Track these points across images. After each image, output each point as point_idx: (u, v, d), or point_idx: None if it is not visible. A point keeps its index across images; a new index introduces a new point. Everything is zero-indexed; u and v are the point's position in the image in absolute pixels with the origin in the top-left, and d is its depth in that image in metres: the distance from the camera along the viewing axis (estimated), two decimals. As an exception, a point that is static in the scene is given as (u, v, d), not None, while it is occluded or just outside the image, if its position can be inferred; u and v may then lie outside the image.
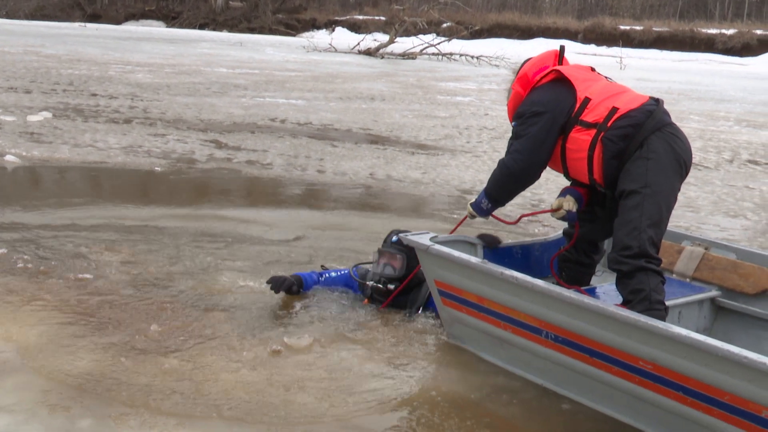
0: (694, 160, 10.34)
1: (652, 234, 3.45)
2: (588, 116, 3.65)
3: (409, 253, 4.34)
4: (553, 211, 3.90)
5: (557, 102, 3.72)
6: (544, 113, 3.71)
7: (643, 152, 3.53)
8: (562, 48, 4.05)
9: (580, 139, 3.67)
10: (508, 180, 3.87)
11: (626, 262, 3.45)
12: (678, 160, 3.55)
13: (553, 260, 4.14)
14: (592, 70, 3.94)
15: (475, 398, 3.48)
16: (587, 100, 3.68)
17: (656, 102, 3.69)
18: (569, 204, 3.85)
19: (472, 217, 4.14)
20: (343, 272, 4.61)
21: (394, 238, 4.46)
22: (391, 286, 4.34)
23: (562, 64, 3.96)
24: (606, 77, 3.92)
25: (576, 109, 3.68)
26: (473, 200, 4.09)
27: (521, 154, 3.77)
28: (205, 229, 5.92)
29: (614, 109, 3.61)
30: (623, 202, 3.54)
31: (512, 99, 3.98)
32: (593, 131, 3.62)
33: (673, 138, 3.57)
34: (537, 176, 3.86)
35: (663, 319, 3.34)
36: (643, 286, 3.42)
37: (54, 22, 51.09)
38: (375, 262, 4.49)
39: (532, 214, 4.32)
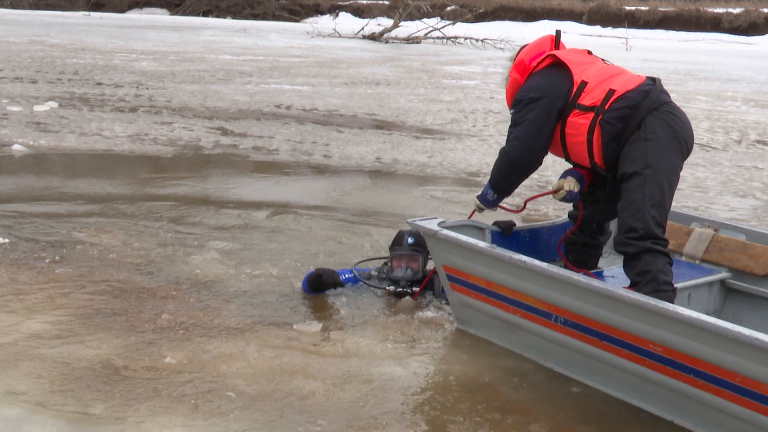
0: (701, 141, 10.35)
1: (656, 214, 3.44)
2: (585, 99, 3.65)
3: (425, 252, 4.41)
4: (554, 192, 3.89)
5: (554, 86, 3.72)
6: (542, 98, 3.71)
7: (641, 133, 3.52)
8: (558, 33, 4.05)
9: (578, 123, 3.67)
10: (510, 168, 3.87)
11: (632, 244, 3.44)
12: (677, 138, 3.53)
13: (561, 244, 4.13)
14: (589, 53, 3.93)
15: (485, 382, 3.49)
16: (584, 83, 3.68)
17: (653, 82, 3.68)
18: (570, 184, 3.84)
19: (480, 210, 4.15)
20: (348, 276, 4.52)
21: (410, 240, 4.48)
22: (416, 288, 4.37)
23: (558, 49, 3.96)
24: (603, 59, 3.91)
25: (573, 93, 3.68)
26: (479, 193, 4.10)
27: (521, 140, 3.77)
28: (213, 216, 5.92)
29: (611, 91, 3.60)
30: (625, 185, 3.53)
31: (510, 86, 3.97)
32: (591, 114, 3.62)
33: (671, 117, 3.56)
34: (539, 162, 3.85)
35: (671, 300, 3.33)
36: (649, 267, 3.41)
37: (58, 11, 51.01)
38: (389, 265, 4.50)
39: (534, 198, 4.30)
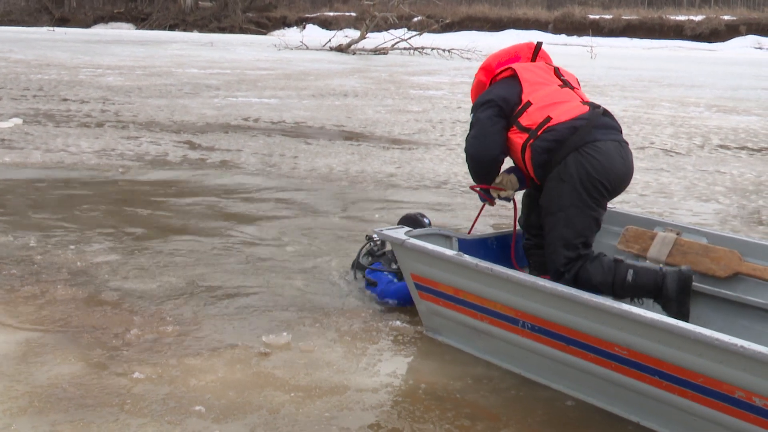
0: (665, 146, 10.51)
1: (570, 254, 3.65)
2: (524, 120, 3.81)
3: None
4: (495, 187, 4.05)
5: (505, 95, 3.88)
6: (492, 101, 3.89)
7: (560, 172, 3.67)
8: (539, 44, 4.17)
9: (514, 141, 3.85)
10: (474, 164, 4.04)
11: (565, 280, 3.64)
12: (593, 183, 3.63)
13: (514, 254, 4.21)
14: (556, 71, 4.03)
15: (454, 389, 3.51)
16: (528, 104, 3.82)
17: (590, 115, 3.74)
18: (507, 187, 4.02)
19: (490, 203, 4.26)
20: (391, 281, 4.55)
21: (427, 220, 4.75)
22: None
23: (535, 60, 4.11)
24: (563, 81, 3.98)
25: (518, 109, 3.84)
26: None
27: (476, 138, 3.94)
28: (180, 232, 5.90)
29: (547, 119, 3.74)
30: (544, 220, 3.77)
31: (474, 87, 4.17)
32: (525, 136, 3.78)
33: (590, 159, 3.63)
34: (497, 159, 3.97)
35: (623, 273, 3.58)
36: (593, 282, 3.59)
37: (21, 26, 50.52)
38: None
39: (474, 188, 4.24)
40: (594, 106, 3.83)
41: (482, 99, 3.95)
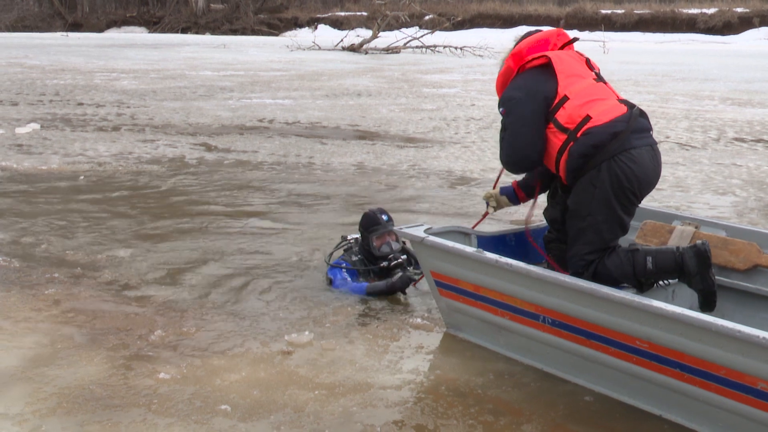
0: (681, 140, 10.46)
1: (593, 258, 3.56)
2: (561, 116, 3.57)
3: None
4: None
5: (537, 90, 3.62)
6: (525, 98, 3.62)
7: (593, 177, 3.51)
8: (574, 39, 3.93)
9: (552, 140, 3.61)
10: (511, 170, 3.84)
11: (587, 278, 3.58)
12: (624, 191, 3.51)
13: (535, 243, 4.21)
14: (588, 62, 3.81)
15: (477, 385, 3.54)
16: (565, 98, 3.58)
17: (628, 117, 3.56)
18: (491, 208, 4.24)
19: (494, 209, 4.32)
20: (337, 271, 4.75)
21: (386, 217, 4.84)
22: (404, 256, 4.75)
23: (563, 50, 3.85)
24: (596, 74, 3.77)
25: (554, 104, 3.59)
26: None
27: (510, 145, 3.69)
28: (199, 235, 5.95)
29: (587, 118, 3.52)
30: (570, 220, 3.64)
31: (502, 73, 3.85)
32: (564, 137, 3.56)
33: (625, 167, 3.48)
34: (536, 161, 3.72)
35: (643, 260, 3.50)
36: (615, 275, 3.51)
37: (36, 32, 50.82)
38: (370, 245, 4.78)
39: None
40: (630, 106, 3.64)
41: (514, 95, 3.66)
